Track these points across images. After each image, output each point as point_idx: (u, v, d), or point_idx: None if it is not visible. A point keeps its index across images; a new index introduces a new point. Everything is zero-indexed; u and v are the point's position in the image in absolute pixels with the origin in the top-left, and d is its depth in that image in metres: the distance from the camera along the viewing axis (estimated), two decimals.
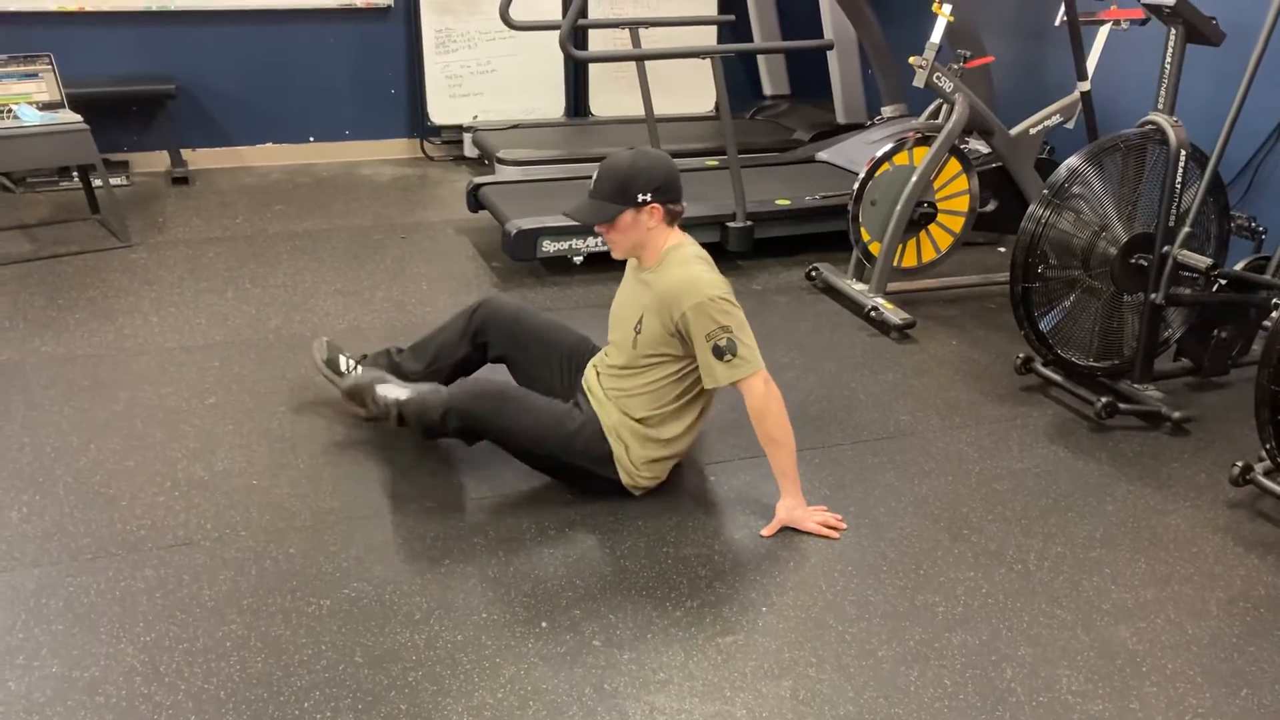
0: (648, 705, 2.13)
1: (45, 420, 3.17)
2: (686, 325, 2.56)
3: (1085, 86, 4.13)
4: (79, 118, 4.57)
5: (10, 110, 4.48)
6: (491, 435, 2.77)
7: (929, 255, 4.22)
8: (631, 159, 2.60)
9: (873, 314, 3.95)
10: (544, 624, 2.36)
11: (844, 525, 2.70)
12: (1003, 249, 4.82)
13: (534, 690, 2.16)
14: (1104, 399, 3.23)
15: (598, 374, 2.82)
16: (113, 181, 5.01)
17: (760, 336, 3.85)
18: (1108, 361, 3.36)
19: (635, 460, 2.71)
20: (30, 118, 4.46)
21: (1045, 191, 3.25)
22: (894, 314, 3.90)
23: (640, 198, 2.57)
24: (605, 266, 4.46)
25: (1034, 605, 2.46)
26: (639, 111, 5.35)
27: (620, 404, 2.72)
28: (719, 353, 2.55)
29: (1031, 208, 3.27)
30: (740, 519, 2.76)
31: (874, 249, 4.12)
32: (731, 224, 4.45)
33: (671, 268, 2.62)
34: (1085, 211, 3.26)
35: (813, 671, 2.24)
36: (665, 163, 2.62)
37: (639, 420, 2.71)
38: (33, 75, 4.61)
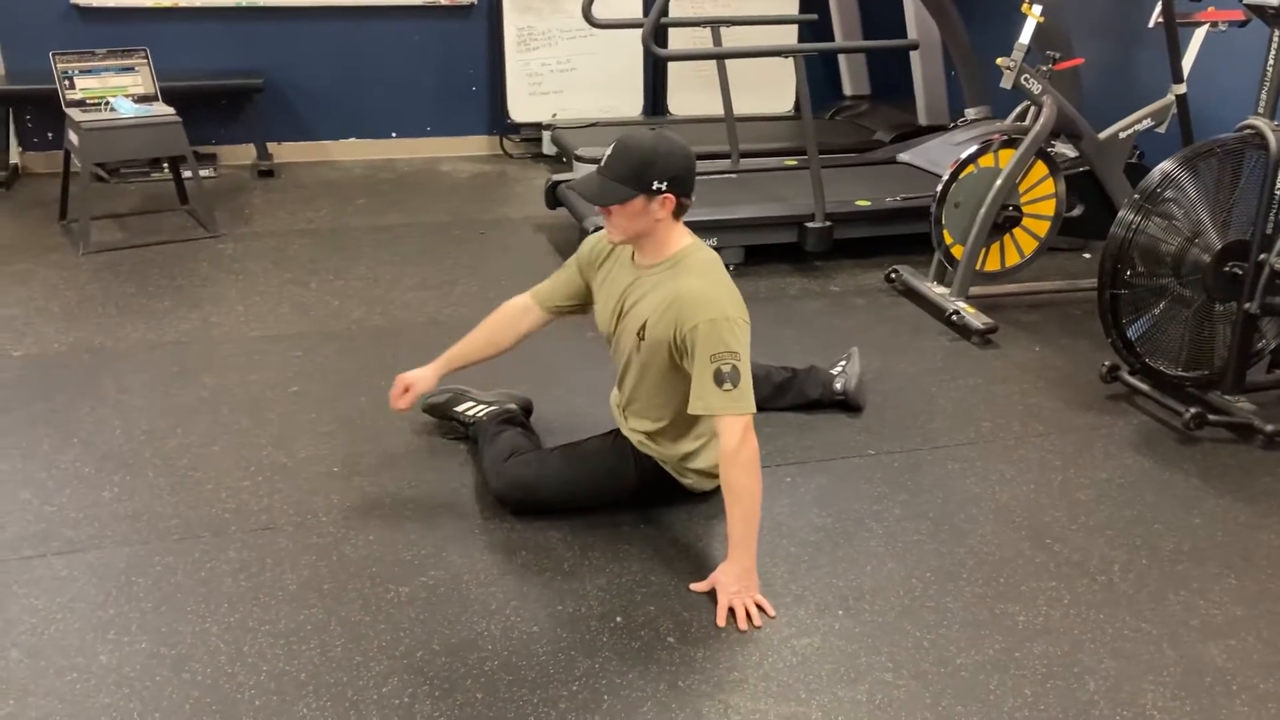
0: (722, 704, 2.12)
1: (135, 404, 3.25)
2: (694, 340, 2.34)
3: (1181, 89, 4.02)
4: (172, 110, 4.68)
5: (108, 103, 4.61)
6: (547, 509, 2.71)
7: (1013, 260, 4.15)
8: (654, 141, 2.36)
9: (954, 318, 3.89)
10: (619, 619, 2.36)
11: (758, 623, 2.33)
12: (1088, 255, 4.72)
13: (609, 685, 2.16)
14: (1193, 410, 3.15)
15: (624, 416, 2.72)
16: (201, 173, 5.12)
17: (838, 338, 3.86)
18: (1197, 371, 3.27)
19: (687, 472, 2.69)
20: (126, 110, 4.58)
21: (1136, 196, 3.18)
22: (976, 318, 3.84)
23: (656, 185, 2.35)
24: None
25: (1118, 618, 2.41)
26: (716, 110, 5.35)
27: (655, 448, 2.65)
28: (720, 378, 2.32)
29: (1122, 213, 3.20)
30: (816, 521, 2.74)
31: (956, 252, 4.06)
32: (810, 224, 4.41)
33: (691, 274, 2.41)
34: (1178, 217, 3.18)
35: (889, 677, 2.21)
36: (686, 152, 2.39)
37: (681, 459, 2.65)
38: (129, 69, 4.73)
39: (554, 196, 4.87)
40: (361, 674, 2.18)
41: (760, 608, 2.37)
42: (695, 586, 2.42)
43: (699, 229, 4.36)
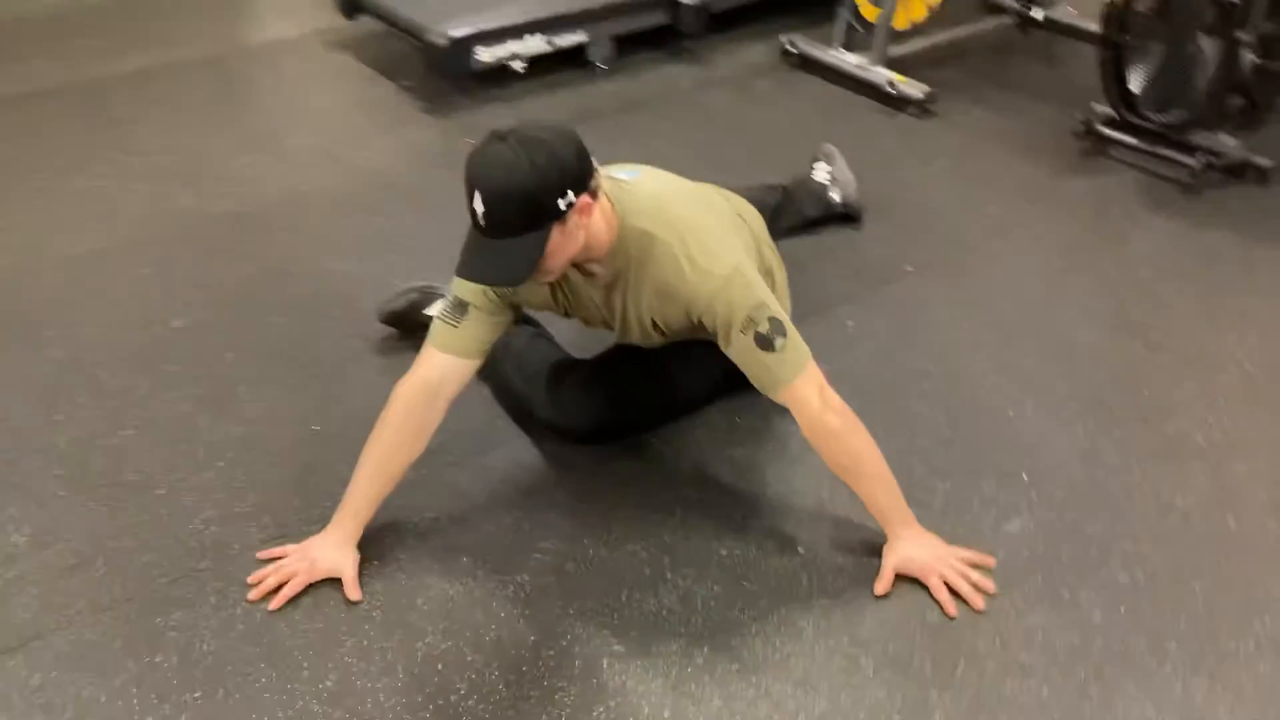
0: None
1: None
2: (714, 324, 1.84)
3: None
4: None
5: None
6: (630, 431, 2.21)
7: (919, 13, 3.77)
8: (526, 160, 1.64)
9: (890, 89, 3.50)
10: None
11: (991, 589, 1.85)
12: None
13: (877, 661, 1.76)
14: (1200, 158, 2.98)
15: None
16: None
17: (769, 132, 3.41)
18: (1180, 113, 3.09)
19: None
20: None
21: None
22: (912, 87, 3.48)
23: (562, 203, 1.68)
24: (550, 69, 3.77)
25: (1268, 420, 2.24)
26: None
27: None
28: (765, 342, 1.79)
29: None
30: (917, 365, 2.38)
31: (867, 13, 3.63)
32: (686, 0, 3.80)
33: (658, 252, 1.83)
34: None
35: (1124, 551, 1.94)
36: (562, 135, 1.71)
37: None
38: None
39: (353, 2, 3.94)
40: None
41: (977, 566, 1.88)
42: (879, 589, 1.84)
43: (551, 25, 3.69)
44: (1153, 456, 2.13)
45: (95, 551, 1.94)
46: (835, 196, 2.84)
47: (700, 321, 1.85)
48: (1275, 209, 2.94)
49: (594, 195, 1.75)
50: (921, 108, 3.47)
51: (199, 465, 2.13)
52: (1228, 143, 3.07)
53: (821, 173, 2.89)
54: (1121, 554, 1.92)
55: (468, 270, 1.73)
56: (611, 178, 1.86)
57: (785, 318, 1.83)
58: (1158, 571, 1.88)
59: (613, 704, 1.67)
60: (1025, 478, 2.08)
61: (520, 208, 1.66)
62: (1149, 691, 1.68)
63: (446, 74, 3.61)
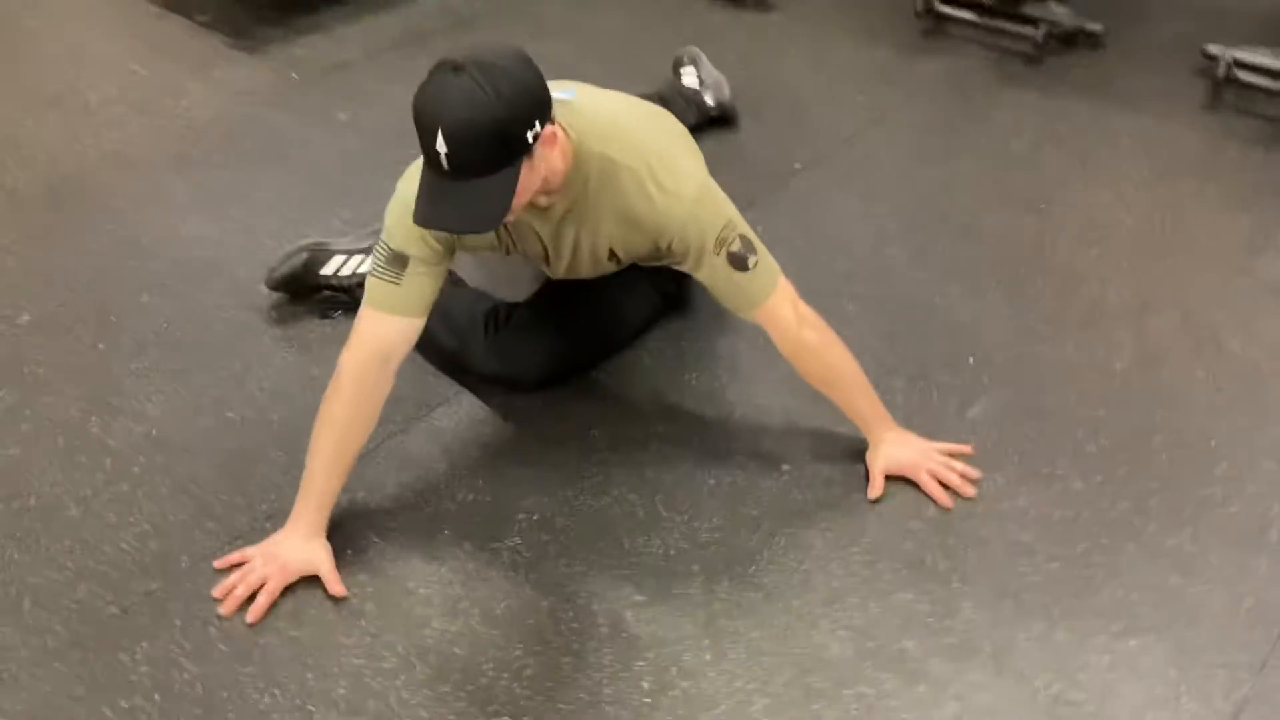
0: None
1: None
2: (685, 250, 1.75)
3: None
4: None
5: None
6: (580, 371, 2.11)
7: None
8: (492, 91, 1.47)
9: None
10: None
11: (975, 475, 1.87)
12: None
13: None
14: (1041, 29, 3.08)
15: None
16: None
17: (611, 41, 3.26)
18: None
19: None
20: None
21: None
22: None
23: (532, 134, 1.53)
24: None
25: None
26: None
27: None
28: (740, 260, 1.73)
29: None
30: (839, 267, 2.38)
31: None
32: None
33: (622, 178, 1.70)
34: None
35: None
36: (520, 59, 1.54)
37: None
38: None
39: None
40: None
41: (957, 455, 1.89)
42: (873, 493, 1.83)
43: None
44: (1079, 324, 2.21)
45: (17, 592, 1.70)
46: (709, 99, 2.78)
47: (670, 248, 1.77)
48: (1113, 71, 3.08)
49: (554, 122, 1.62)
50: (761, 2, 3.43)
51: (110, 476, 1.89)
52: (1060, 11, 3.17)
53: (690, 77, 2.81)
54: (1081, 422, 1.99)
55: (433, 218, 1.57)
56: (557, 100, 1.72)
57: (752, 233, 1.77)
58: (1118, 433, 1.97)
59: (652, 655, 1.61)
60: (972, 361, 2.12)
61: (491, 144, 1.51)
62: (1147, 550, 1.76)
63: (251, 3, 3.29)
